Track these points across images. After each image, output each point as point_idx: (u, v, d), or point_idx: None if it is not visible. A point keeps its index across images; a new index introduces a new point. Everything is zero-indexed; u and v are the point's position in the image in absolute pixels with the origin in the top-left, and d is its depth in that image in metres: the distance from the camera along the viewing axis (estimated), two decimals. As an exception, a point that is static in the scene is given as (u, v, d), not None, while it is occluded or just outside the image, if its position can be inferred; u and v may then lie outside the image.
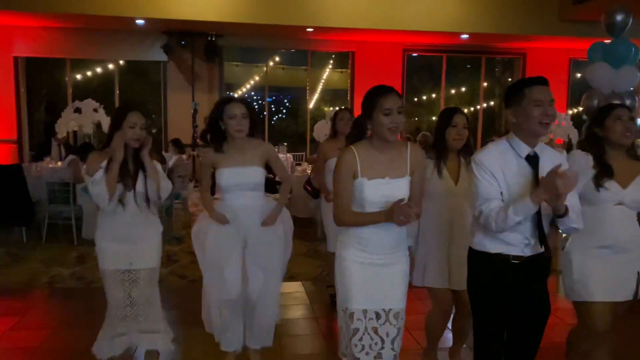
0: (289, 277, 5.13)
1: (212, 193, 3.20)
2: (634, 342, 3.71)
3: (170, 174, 6.22)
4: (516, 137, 2.28)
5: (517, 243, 2.25)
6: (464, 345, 3.28)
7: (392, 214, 2.19)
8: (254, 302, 3.06)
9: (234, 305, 3.05)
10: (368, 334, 2.39)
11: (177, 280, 5.08)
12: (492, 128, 13.94)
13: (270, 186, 3.27)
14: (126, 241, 2.91)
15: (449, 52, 12.12)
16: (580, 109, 11.73)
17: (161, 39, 10.66)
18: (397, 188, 2.34)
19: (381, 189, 2.31)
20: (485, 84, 13.00)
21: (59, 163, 7.61)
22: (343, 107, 4.65)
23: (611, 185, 2.53)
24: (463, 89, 14.06)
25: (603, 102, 5.19)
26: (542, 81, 2.24)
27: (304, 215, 7.22)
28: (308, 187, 5.90)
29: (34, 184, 6.43)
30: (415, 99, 14.47)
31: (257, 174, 3.00)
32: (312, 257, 5.97)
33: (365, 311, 2.39)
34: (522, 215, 2.15)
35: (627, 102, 5.14)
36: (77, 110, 8.05)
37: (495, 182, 2.24)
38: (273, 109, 13.73)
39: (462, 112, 3.01)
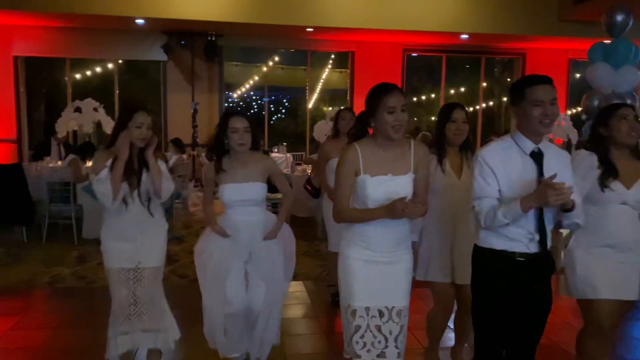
0: (289, 276, 5.15)
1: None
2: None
3: (170, 173, 6.21)
4: (520, 133, 2.29)
5: (522, 238, 2.25)
6: (465, 345, 3.29)
7: (393, 210, 2.19)
8: (256, 316, 3.06)
9: (236, 318, 3.06)
10: (370, 331, 2.39)
11: (178, 280, 5.08)
12: (492, 128, 13.95)
13: (271, 186, 3.28)
14: (131, 240, 2.92)
15: (449, 52, 12.13)
16: (580, 109, 11.78)
17: (161, 38, 10.66)
18: (400, 185, 2.34)
19: (384, 186, 2.30)
20: (484, 84, 13.01)
21: (59, 162, 7.61)
22: (345, 107, 4.65)
23: (616, 185, 2.54)
24: (462, 89, 14.06)
25: (603, 102, 5.20)
26: (543, 80, 2.23)
27: (304, 214, 7.23)
28: (308, 186, 5.90)
29: (34, 184, 6.43)
30: (415, 99, 14.47)
31: (259, 190, 3.01)
32: (313, 257, 5.98)
33: (367, 309, 2.40)
34: (510, 219, 2.17)
35: (628, 102, 5.16)
36: (77, 110, 8.05)
37: (494, 180, 2.25)
38: (272, 108, 13.72)
39: (462, 107, 3.01)
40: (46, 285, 4.94)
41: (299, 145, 12.83)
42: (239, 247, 3.01)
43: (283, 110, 16.00)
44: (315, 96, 12.98)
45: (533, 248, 2.26)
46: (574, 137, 9.69)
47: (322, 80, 13.52)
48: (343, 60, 12.51)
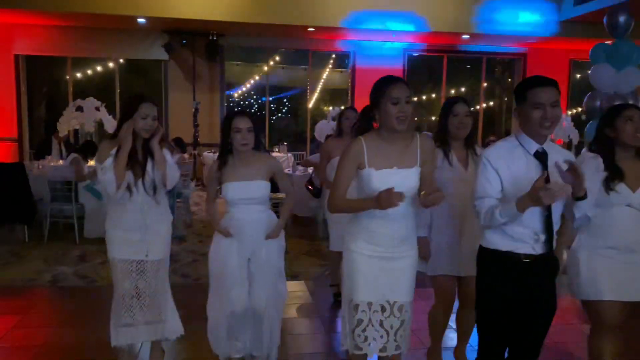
0: (291, 276, 5.15)
1: None
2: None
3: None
4: (524, 134, 2.29)
5: (527, 239, 2.25)
6: (467, 345, 3.29)
7: (380, 200, 2.18)
8: (261, 316, 3.07)
9: (239, 318, 3.06)
10: (372, 325, 2.40)
11: (179, 279, 5.09)
12: (492, 129, 13.94)
13: (273, 186, 3.29)
14: (136, 231, 2.93)
15: (450, 52, 12.14)
16: (580, 109, 11.79)
17: (162, 38, 10.68)
18: (406, 178, 2.34)
19: (390, 180, 2.28)
20: (485, 84, 13.01)
21: (60, 161, 7.61)
22: (349, 107, 4.65)
23: (621, 187, 2.53)
24: (463, 89, 14.05)
25: (605, 103, 5.20)
26: (545, 82, 2.21)
27: (305, 214, 7.23)
28: (309, 186, 5.91)
29: (36, 182, 6.42)
30: (416, 99, 14.47)
31: (262, 188, 3.02)
32: (314, 256, 5.98)
33: (370, 304, 2.40)
34: (507, 218, 2.17)
35: (629, 102, 5.15)
36: (79, 109, 8.05)
37: (497, 180, 2.25)
38: (273, 106, 13.72)
39: (464, 101, 3.01)
40: (47, 284, 4.94)
41: (299, 145, 12.83)
42: (242, 245, 3.02)
43: (284, 110, 15.99)
44: (315, 96, 12.98)
45: (539, 249, 2.26)
46: (575, 138, 9.70)
47: (322, 80, 13.52)
48: (343, 60, 12.52)
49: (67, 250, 6.03)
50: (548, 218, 2.23)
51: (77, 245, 6.21)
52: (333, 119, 8.73)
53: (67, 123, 8.01)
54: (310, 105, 12.62)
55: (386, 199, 2.15)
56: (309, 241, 6.59)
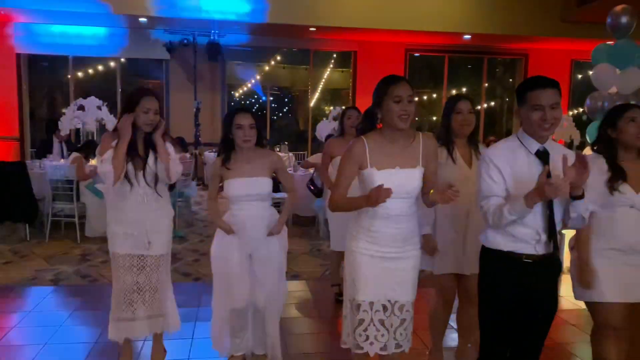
0: (292, 275, 5.16)
1: None
2: None
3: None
4: (525, 134, 2.29)
5: (529, 239, 2.24)
6: (469, 345, 3.29)
7: (372, 198, 2.19)
8: (262, 311, 3.08)
9: (241, 316, 3.07)
10: (374, 325, 2.41)
11: (181, 278, 5.09)
12: (493, 129, 13.93)
13: (274, 185, 3.29)
14: (137, 224, 2.93)
15: (451, 52, 12.14)
16: (581, 110, 11.78)
17: (164, 37, 10.67)
18: (408, 178, 2.35)
19: (392, 179, 2.29)
20: (486, 84, 13.00)
21: (61, 160, 7.61)
22: (351, 106, 4.66)
23: (624, 188, 2.53)
24: (464, 89, 14.04)
25: (607, 103, 5.19)
26: (545, 84, 2.21)
27: (307, 214, 7.24)
28: (311, 186, 5.91)
29: (37, 181, 6.43)
30: (417, 99, 14.43)
31: (264, 185, 3.02)
32: (315, 256, 5.98)
33: (371, 303, 2.41)
34: (517, 215, 2.16)
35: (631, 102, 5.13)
36: (81, 108, 8.05)
37: (501, 178, 2.25)
38: (274, 106, 13.72)
39: (467, 98, 3.01)
40: (49, 283, 4.94)
41: (300, 144, 12.83)
42: (243, 242, 3.02)
43: (285, 110, 15.99)
44: (316, 95, 12.98)
45: (540, 249, 2.26)
46: (576, 138, 9.70)
47: (323, 80, 13.51)
48: (345, 60, 12.52)
49: (69, 249, 6.05)
50: (550, 218, 2.23)
51: (79, 244, 6.22)
52: (334, 119, 8.73)
53: (69, 122, 8.01)
54: (312, 104, 12.62)
55: (375, 196, 2.17)
56: (310, 241, 6.60)
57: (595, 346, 2.74)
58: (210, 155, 10.22)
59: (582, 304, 2.77)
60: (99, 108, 8.03)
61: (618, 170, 2.55)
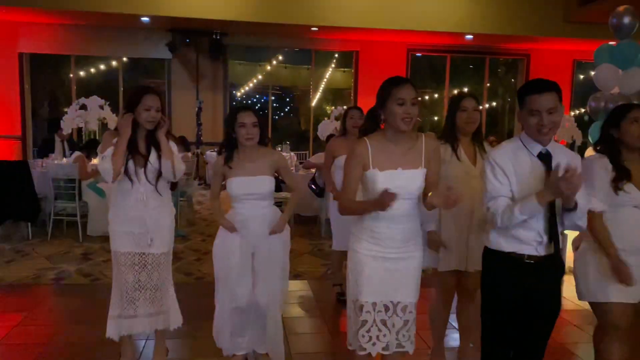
0: (294, 275, 5.16)
1: None
2: None
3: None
4: (527, 135, 2.29)
5: (531, 241, 2.24)
6: (470, 345, 3.29)
7: (379, 203, 2.19)
8: (263, 310, 3.07)
9: (243, 314, 3.07)
10: (376, 325, 2.41)
11: (183, 277, 5.10)
12: (495, 129, 13.92)
13: (276, 185, 3.29)
14: (138, 222, 2.94)
15: (453, 52, 12.14)
16: (584, 110, 11.76)
17: (166, 36, 10.68)
18: (411, 179, 2.35)
19: (394, 181, 2.29)
20: (488, 84, 12.99)
21: (63, 160, 7.62)
22: (353, 106, 4.66)
23: (629, 188, 2.52)
24: (466, 89, 14.03)
25: (609, 103, 5.18)
26: (542, 89, 2.19)
27: (309, 213, 7.25)
28: (313, 186, 5.92)
29: (40, 180, 6.44)
30: (419, 99, 14.41)
31: (267, 183, 3.02)
32: (317, 256, 5.98)
33: (374, 304, 2.41)
34: (528, 214, 2.16)
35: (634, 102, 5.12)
36: (83, 107, 8.07)
37: (506, 179, 2.25)
38: (276, 105, 13.74)
39: (472, 96, 3.00)
40: (51, 282, 4.95)
41: (302, 144, 12.84)
42: (245, 240, 3.02)
43: (287, 109, 16.00)
44: (318, 95, 13.00)
45: (542, 250, 2.26)
46: (578, 139, 9.68)
47: (325, 80, 13.52)
48: (346, 60, 12.52)
49: (71, 248, 6.06)
50: (552, 220, 2.23)
51: (81, 243, 6.23)
52: (336, 119, 8.74)
53: (71, 121, 8.02)
54: (313, 104, 12.63)
55: (380, 200, 2.17)
56: (312, 240, 6.60)
57: (598, 346, 2.74)
58: (212, 155, 10.23)
59: (584, 305, 2.77)
60: (101, 107, 8.05)
61: (622, 170, 2.54)
